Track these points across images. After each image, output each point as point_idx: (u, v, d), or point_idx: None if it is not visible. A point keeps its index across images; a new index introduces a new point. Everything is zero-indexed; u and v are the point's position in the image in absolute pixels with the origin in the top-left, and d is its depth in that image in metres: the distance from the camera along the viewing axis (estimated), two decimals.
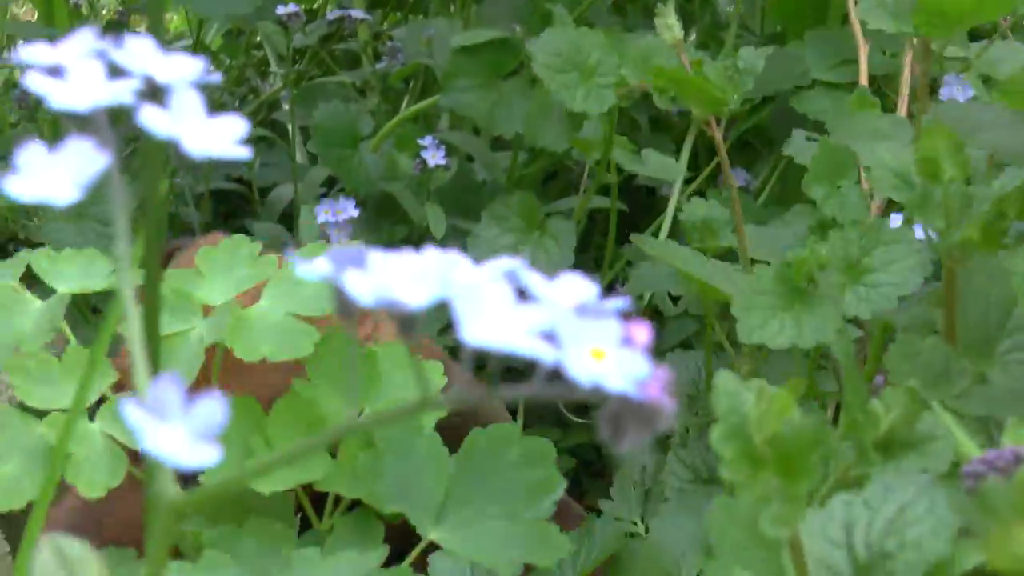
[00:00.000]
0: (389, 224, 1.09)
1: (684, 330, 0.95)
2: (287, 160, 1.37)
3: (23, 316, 0.63)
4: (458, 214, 1.07)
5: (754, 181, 1.12)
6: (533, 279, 0.27)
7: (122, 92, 0.29)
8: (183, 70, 0.31)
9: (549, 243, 0.91)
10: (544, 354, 0.25)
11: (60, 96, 0.29)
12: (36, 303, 0.63)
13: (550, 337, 0.25)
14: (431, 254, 0.27)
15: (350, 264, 0.27)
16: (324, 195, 1.20)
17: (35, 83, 0.29)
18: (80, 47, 0.31)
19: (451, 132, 1.13)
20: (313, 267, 0.28)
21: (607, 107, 0.84)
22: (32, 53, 0.30)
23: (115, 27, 1.25)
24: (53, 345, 0.62)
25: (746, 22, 1.27)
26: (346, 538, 0.58)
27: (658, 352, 0.74)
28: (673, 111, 1.11)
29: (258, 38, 1.40)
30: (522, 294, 0.26)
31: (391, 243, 1.06)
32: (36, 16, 1.38)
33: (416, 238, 1.07)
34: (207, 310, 0.61)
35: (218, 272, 0.63)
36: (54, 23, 1.28)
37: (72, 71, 0.30)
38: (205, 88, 0.30)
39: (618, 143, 0.94)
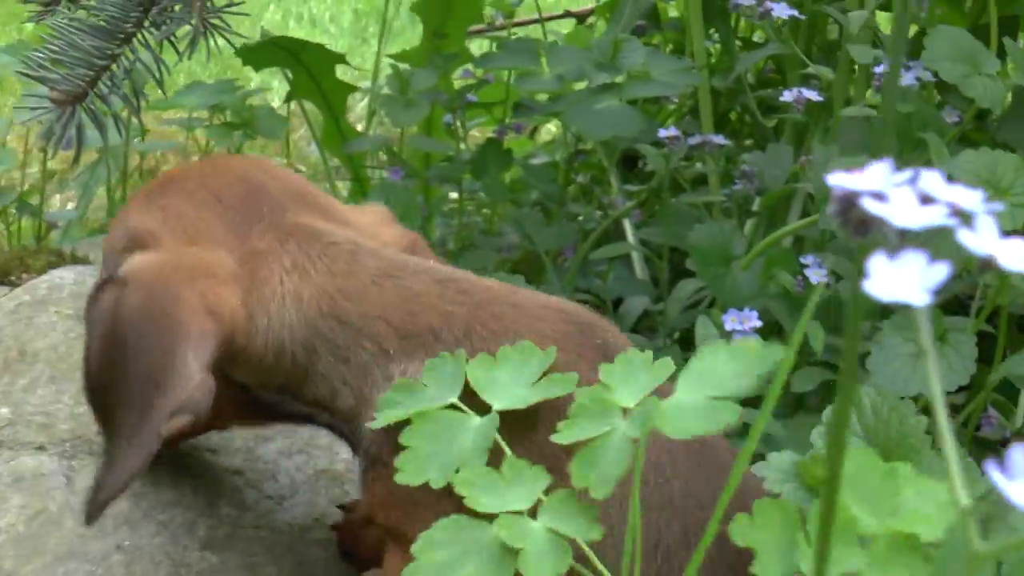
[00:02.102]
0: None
1: None
2: (628, 274, 1.46)
3: (464, 436, 0.69)
4: (829, 331, 1.13)
5: None
6: None
7: (937, 215, 0.36)
8: (971, 198, 0.37)
9: (950, 353, 0.96)
10: None
11: (899, 217, 0.36)
12: (475, 420, 0.70)
13: None
14: None
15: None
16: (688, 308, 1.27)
17: (873, 207, 0.36)
18: (889, 176, 0.38)
19: (824, 254, 1.19)
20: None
21: (1019, 225, 0.90)
22: (857, 181, 0.37)
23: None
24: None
25: None
26: None
27: None
28: None
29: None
30: None
31: None
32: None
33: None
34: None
35: (621, 381, 0.69)
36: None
37: (891, 197, 0.37)
38: None
39: None
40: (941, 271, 0.35)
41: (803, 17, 1.23)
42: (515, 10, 1.59)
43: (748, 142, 1.51)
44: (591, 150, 1.54)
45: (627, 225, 1.47)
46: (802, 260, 1.12)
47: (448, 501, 0.68)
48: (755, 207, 1.42)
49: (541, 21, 1.68)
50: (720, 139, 1.32)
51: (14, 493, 0.87)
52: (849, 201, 0.37)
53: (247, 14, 1.06)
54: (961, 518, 0.35)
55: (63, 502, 0.86)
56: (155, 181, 0.87)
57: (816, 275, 1.10)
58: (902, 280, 0.35)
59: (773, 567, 0.64)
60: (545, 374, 0.72)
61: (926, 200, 0.37)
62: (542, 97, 1.39)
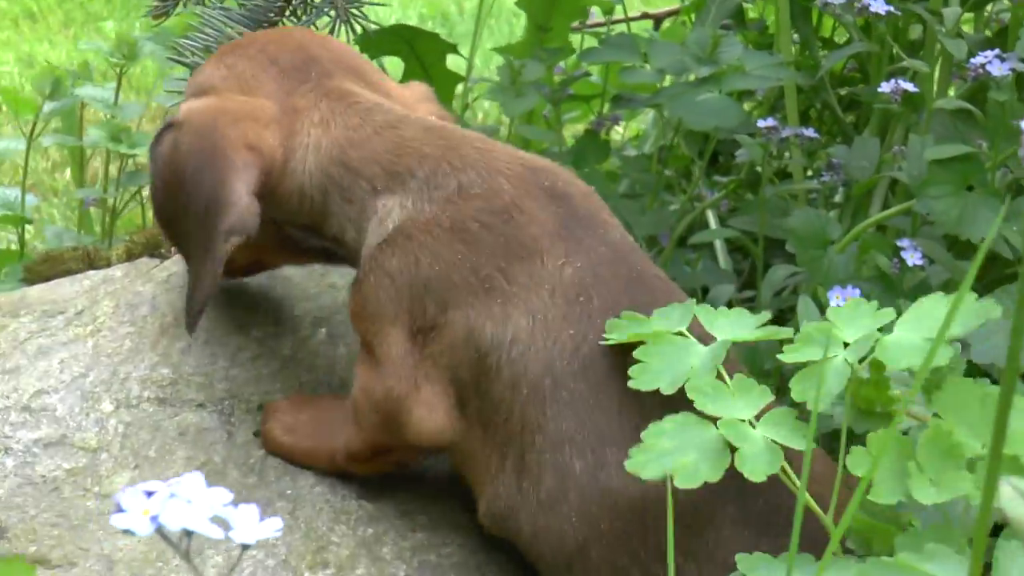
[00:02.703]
0: None
1: None
2: (713, 265, 1.52)
3: (694, 356, 0.77)
4: None
5: None
6: None
7: None
8: None
9: None
10: None
11: None
12: (701, 347, 0.78)
13: None
14: None
15: None
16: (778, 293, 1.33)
17: None
18: None
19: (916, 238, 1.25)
20: None
21: None
22: None
23: None
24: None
25: None
26: None
27: None
28: None
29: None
30: None
31: None
32: None
33: None
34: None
35: (847, 321, 0.77)
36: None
37: None
38: None
39: None
40: None
41: (899, 13, 1.29)
42: (613, 7, 1.66)
43: (826, 138, 1.56)
44: (676, 144, 1.60)
45: (710, 216, 1.54)
46: (899, 243, 1.18)
47: (399, 327, 0.83)
48: (838, 198, 1.48)
49: (625, 21, 1.74)
50: (811, 132, 1.38)
51: (179, 446, 0.93)
52: None
53: (384, 3, 1.12)
54: None
55: (225, 455, 0.93)
56: (228, 44, 1.00)
57: (912, 257, 1.16)
58: None
59: (888, 492, 0.70)
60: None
61: None
62: (640, 90, 1.46)
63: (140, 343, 1.00)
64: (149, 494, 0.52)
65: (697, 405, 0.74)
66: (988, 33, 1.50)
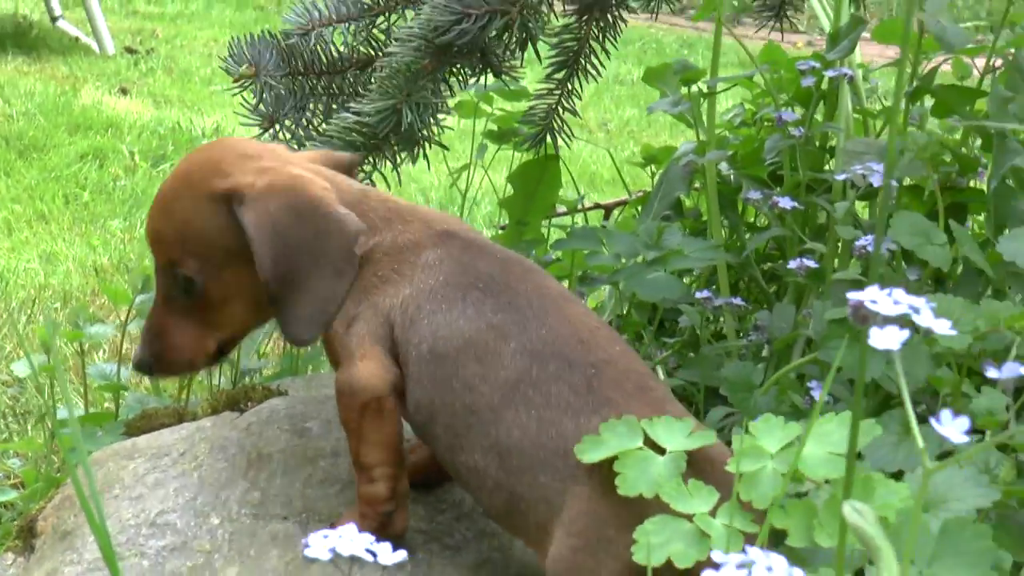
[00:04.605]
0: None
1: None
2: None
3: (657, 466, 1.08)
4: None
5: None
6: None
7: (901, 309, 0.76)
8: (919, 302, 0.77)
9: None
10: None
11: (884, 310, 0.75)
12: (659, 459, 1.09)
13: None
14: None
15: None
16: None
17: (870, 306, 0.76)
18: (877, 294, 0.77)
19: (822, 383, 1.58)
20: None
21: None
22: (861, 295, 0.77)
23: None
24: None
25: None
26: None
27: None
28: None
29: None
30: None
31: None
32: None
33: None
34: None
35: (766, 436, 1.08)
36: None
37: (879, 301, 0.76)
38: None
39: None
40: (904, 334, 0.74)
41: (802, 207, 1.65)
42: (575, 205, 2.02)
43: (753, 305, 1.91)
44: (630, 312, 1.94)
45: (659, 370, 1.87)
46: (809, 385, 1.51)
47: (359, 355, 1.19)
48: (764, 353, 1.82)
49: (583, 211, 2.10)
50: (740, 300, 1.73)
51: (272, 547, 1.24)
52: (858, 305, 0.77)
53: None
54: None
55: None
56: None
57: (817, 394, 1.50)
58: (886, 339, 0.74)
59: (798, 540, 1.01)
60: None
61: (897, 304, 0.76)
62: (600, 270, 1.80)
63: (234, 474, 1.31)
64: (325, 536, 0.83)
65: (672, 506, 1.04)
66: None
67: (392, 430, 1.20)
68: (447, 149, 1.57)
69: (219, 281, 1.22)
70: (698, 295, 1.65)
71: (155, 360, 1.24)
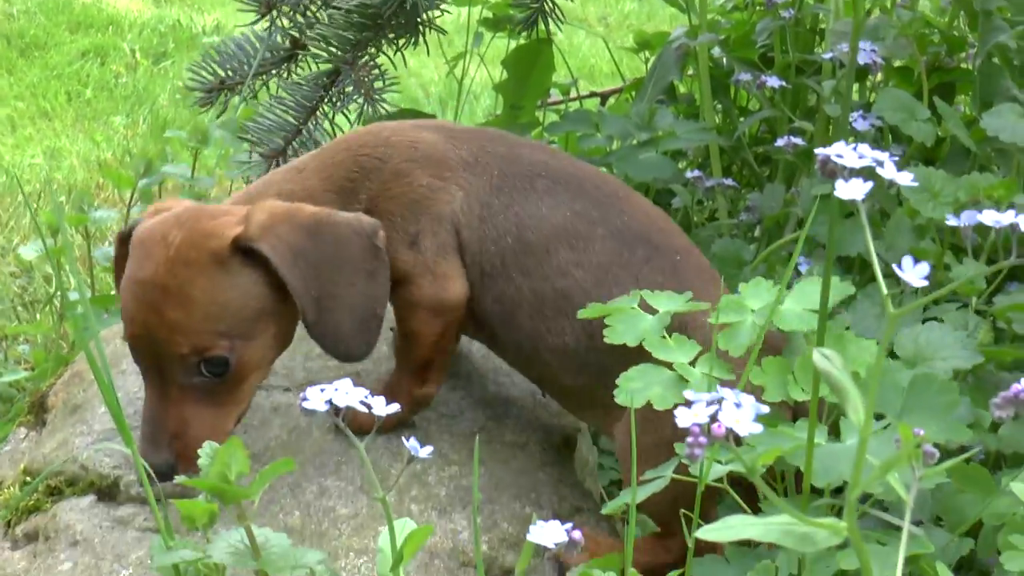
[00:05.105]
0: None
1: None
2: None
3: (644, 322, 1.13)
4: None
5: None
6: None
7: (866, 162, 0.79)
8: (883, 156, 0.80)
9: None
10: None
11: (849, 163, 0.78)
12: (648, 316, 1.13)
13: None
14: None
15: None
16: None
17: (837, 160, 0.79)
18: (844, 149, 0.80)
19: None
20: None
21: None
22: (828, 151, 0.80)
23: None
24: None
25: None
26: None
27: None
28: None
29: None
30: None
31: None
32: None
33: None
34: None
35: (752, 296, 1.12)
36: None
37: (845, 156, 0.79)
38: None
39: None
40: (868, 186, 0.78)
41: (789, 86, 1.67)
42: (569, 89, 2.04)
43: (744, 187, 1.95)
44: None
45: None
46: (797, 261, 1.55)
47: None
48: (756, 233, 1.86)
49: (578, 99, 2.13)
50: (730, 181, 1.76)
51: (275, 417, 1.28)
52: (825, 159, 0.80)
53: (399, 91, 1.49)
54: None
55: (308, 421, 1.28)
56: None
57: (805, 269, 1.54)
58: (851, 190, 0.78)
59: (773, 394, 1.06)
60: None
61: (862, 157, 0.80)
62: (594, 153, 1.83)
63: None
64: (322, 390, 0.87)
65: (653, 355, 1.09)
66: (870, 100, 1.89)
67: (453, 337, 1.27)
68: (444, 33, 1.59)
69: (250, 350, 1.14)
70: (689, 175, 1.68)
71: (179, 461, 1.13)
